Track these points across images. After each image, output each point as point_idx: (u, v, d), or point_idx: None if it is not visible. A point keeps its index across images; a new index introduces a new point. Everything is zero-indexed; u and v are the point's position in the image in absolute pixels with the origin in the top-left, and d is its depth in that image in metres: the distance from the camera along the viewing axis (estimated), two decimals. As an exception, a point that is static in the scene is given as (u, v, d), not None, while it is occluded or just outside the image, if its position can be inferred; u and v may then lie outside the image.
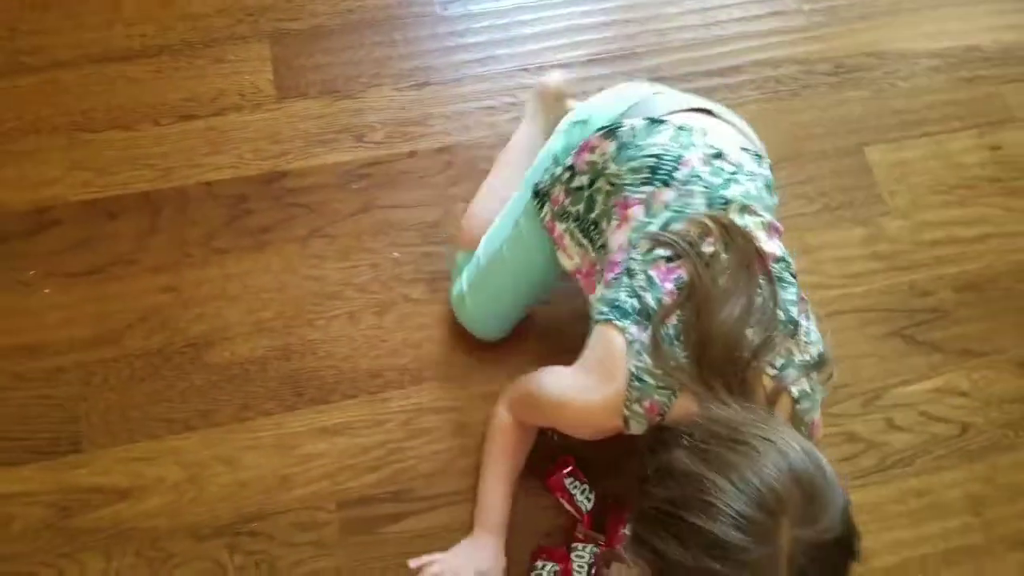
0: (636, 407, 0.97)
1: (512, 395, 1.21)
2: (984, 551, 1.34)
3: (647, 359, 0.96)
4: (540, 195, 1.21)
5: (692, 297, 0.95)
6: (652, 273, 1.00)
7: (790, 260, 1.03)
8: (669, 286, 0.98)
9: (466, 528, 1.26)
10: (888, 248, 1.55)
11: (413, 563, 1.17)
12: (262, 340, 1.36)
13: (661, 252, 1.00)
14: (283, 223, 1.44)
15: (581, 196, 1.15)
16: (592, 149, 1.14)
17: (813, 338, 0.99)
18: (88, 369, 1.32)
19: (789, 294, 0.99)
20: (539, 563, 1.25)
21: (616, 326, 1.00)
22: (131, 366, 1.32)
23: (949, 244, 1.57)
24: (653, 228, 1.03)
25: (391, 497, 1.28)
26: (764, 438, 0.84)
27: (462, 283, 1.33)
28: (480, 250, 1.32)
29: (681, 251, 0.98)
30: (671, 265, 0.99)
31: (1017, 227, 1.60)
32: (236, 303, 1.38)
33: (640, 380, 0.96)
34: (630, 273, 1.02)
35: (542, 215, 1.21)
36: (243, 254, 1.41)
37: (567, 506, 1.29)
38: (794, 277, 1.01)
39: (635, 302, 0.99)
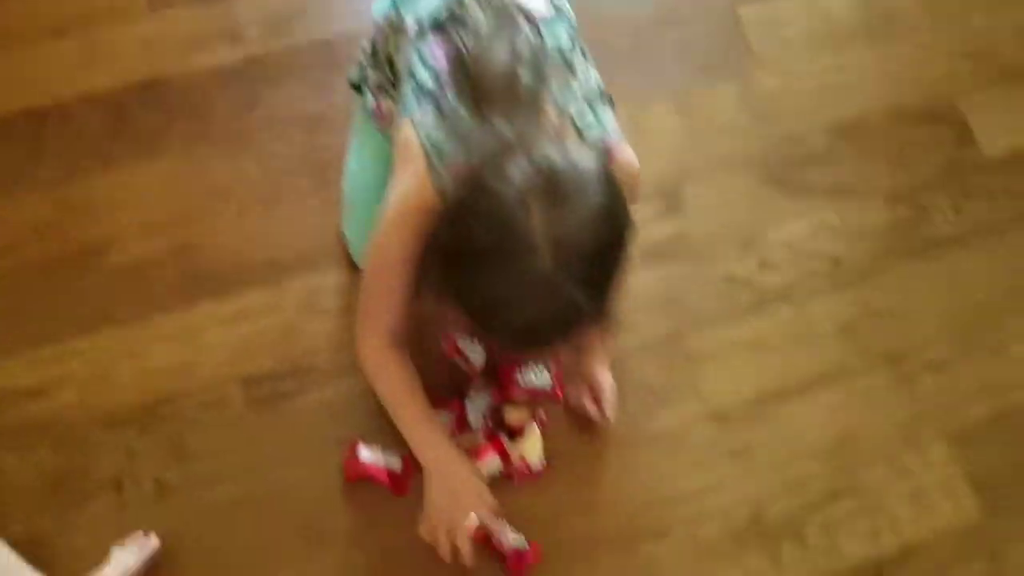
0: (442, 171, 1.03)
1: (359, 315, 1.21)
2: (858, 371, 1.44)
3: (436, 128, 1.03)
4: (357, 86, 1.30)
5: (461, 60, 1.03)
6: (424, 53, 1.07)
7: (567, 17, 1.12)
8: (441, 59, 1.06)
9: (368, 394, 1.33)
10: (761, 101, 1.61)
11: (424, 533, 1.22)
12: (155, 240, 1.40)
13: (428, 36, 1.08)
14: (166, 128, 1.47)
15: (387, 64, 1.23)
16: (380, 23, 1.23)
17: (592, 77, 1.09)
18: (-13, 283, 1.36)
19: (561, 41, 1.08)
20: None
21: (404, 121, 1.07)
22: (29, 277, 1.37)
23: (820, 92, 1.64)
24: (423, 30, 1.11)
25: (293, 373, 1.35)
26: (516, 147, 0.93)
27: (342, 226, 1.38)
28: (343, 185, 1.37)
29: (443, 25, 1.07)
30: (440, 43, 1.07)
31: (885, 70, 1.67)
32: (126, 208, 1.42)
33: (434, 145, 1.04)
34: (410, 73, 1.09)
35: (366, 103, 1.27)
36: (130, 161, 1.45)
37: (461, 364, 1.37)
38: (566, 35, 1.10)
39: (415, 89, 1.07)
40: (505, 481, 1.32)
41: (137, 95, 1.49)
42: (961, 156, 1.59)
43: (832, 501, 1.37)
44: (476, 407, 1.35)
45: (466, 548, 1.19)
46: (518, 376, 1.36)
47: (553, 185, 0.92)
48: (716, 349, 1.43)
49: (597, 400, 1.32)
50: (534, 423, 1.34)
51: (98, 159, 1.45)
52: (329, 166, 1.47)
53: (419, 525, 1.23)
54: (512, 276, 0.92)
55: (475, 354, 1.36)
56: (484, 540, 1.27)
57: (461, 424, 1.34)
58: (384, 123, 1.27)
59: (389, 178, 1.14)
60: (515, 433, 1.34)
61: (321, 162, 1.48)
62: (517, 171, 0.92)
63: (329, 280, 1.41)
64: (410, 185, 1.07)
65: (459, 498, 1.20)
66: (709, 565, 1.32)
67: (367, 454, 1.30)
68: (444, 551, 1.20)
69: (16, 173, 1.43)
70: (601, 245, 0.95)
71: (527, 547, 1.27)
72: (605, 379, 1.32)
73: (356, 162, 1.35)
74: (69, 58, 1.50)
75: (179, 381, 1.33)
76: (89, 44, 1.51)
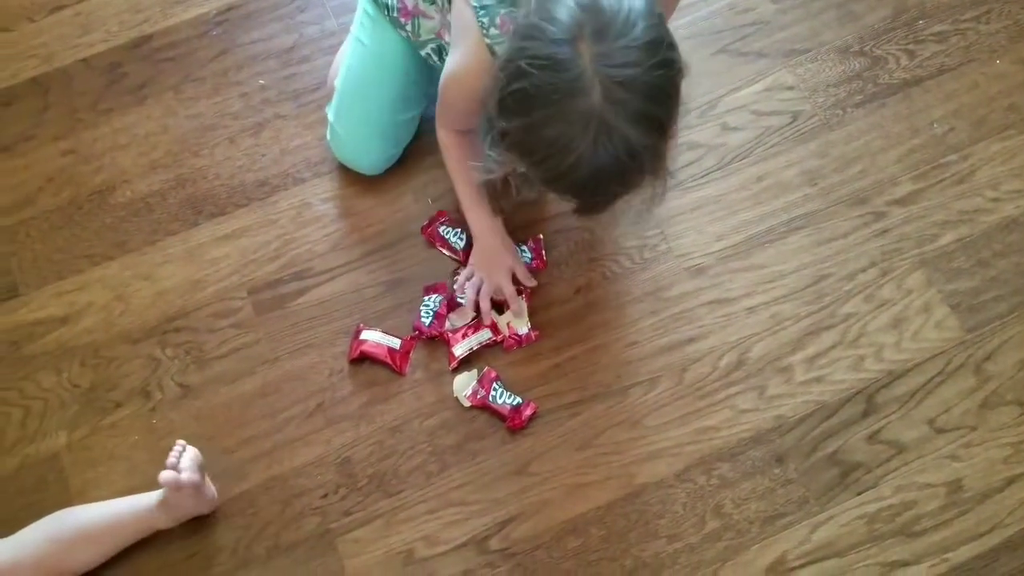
0: (493, 31, 1.10)
1: (438, 113, 1.34)
2: (824, 214, 1.50)
3: None
4: None
5: None
6: None
7: None
8: None
9: (364, 288, 1.45)
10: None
11: (457, 292, 1.40)
12: (157, 176, 1.53)
13: None
14: (156, 77, 1.60)
15: None
16: None
17: None
18: (12, 231, 1.50)
19: None
20: (427, 298, 1.43)
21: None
22: (48, 220, 1.50)
23: (764, -39, 1.69)
24: None
25: (294, 277, 1.46)
26: None
27: (329, 119, 1.47)
28: (337, 81, 1.46)
29: None
30: None
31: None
32: (128, 150, 1.55)
33: (482, 8, 1.11)
34: None
35: (390, 3, 1.35)
36: (126, 109, 1.58)
37: (446, 252, 1.47)
38: None
39: None
40: (500, 350, 1.41)
41: (127, 52, 1.62)
42: (908, 3, 1.64)
43: (814, 337, 1.43)
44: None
45: (486, 306, 1.39)
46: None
47: (600, 22, 0.94)
48: (687, 209, 1.51)
49: None
50: (519, 297, 1.43)
51: (97, 111, 1.58)
52: (304, 92, 1.58)
53: (460, 278, 1.41)
54: (565, 116, 0.95)
55: (456, 239, 1.46)
56: (483, 405, 1.37)
57: (452, 303, 1.43)
58: (406, 17, 1.35)
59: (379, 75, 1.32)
60: (502, 307, 1.44)
61: (298, 90, 1.59)
62: (564, 11, 0.95)
63: (316, 192, 1.52)
64: (464, 50, 1.15)
65: (489, 261, 1.39)
66: (699, 406, 1.39)
67: (369, 334, 1.40)
68: (469, 304, 1.40)
69: (28, 134, 1.57)
70: (651, 80, 0.96)
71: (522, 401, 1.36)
72: None
73: (354, 59, 1.44)
74: (67, 29, 1.64)
75: (191, 295, 1.45)
76: (83, 15, 1.65)
